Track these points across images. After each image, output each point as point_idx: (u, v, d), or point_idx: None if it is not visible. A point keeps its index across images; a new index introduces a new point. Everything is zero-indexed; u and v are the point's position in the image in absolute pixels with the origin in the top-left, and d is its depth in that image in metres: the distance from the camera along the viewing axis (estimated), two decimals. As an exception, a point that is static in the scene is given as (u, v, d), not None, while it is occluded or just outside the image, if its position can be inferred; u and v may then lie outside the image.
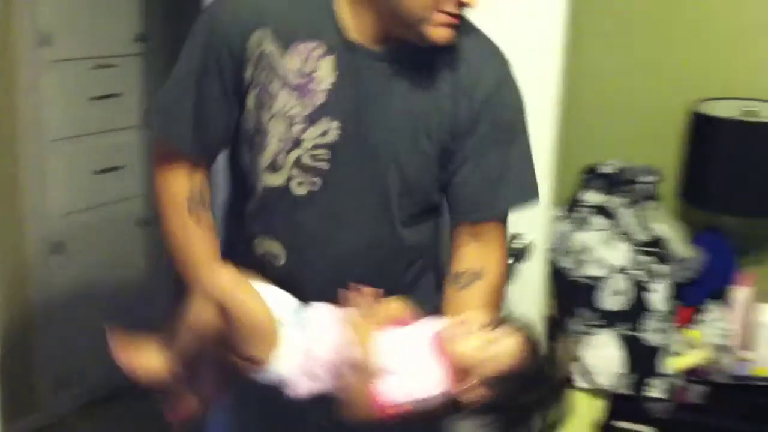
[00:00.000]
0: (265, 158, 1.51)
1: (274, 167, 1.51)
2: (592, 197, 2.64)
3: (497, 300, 1.57)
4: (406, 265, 1.61)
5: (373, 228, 1.54)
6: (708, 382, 2.47)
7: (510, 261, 1.92)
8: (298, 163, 1.50)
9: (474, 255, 1.56)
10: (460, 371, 1.33)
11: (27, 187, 3.08)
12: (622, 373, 2.41)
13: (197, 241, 1.58)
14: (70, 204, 3.26)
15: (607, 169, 2.71)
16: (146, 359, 1.47)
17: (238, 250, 1.60)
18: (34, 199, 3.12)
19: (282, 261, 1.55)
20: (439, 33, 1.43)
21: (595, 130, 2.83)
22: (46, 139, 3.13)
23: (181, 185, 1.58)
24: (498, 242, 1.59)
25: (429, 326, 1.40)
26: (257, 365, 1.37)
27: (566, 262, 2.51)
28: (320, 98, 1.47)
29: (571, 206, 2.67)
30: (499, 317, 1.39)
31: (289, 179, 1.51)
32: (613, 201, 2.62)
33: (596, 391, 2.45)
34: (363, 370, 1.32)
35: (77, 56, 3.18)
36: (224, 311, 1.35)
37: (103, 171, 3.37)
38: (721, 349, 2.50)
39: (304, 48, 1.47)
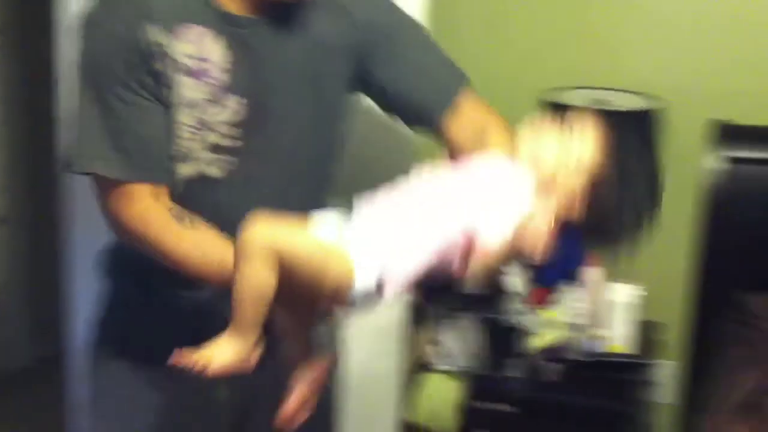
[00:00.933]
0: (177, 148, 1.47)
1: (186, 157, 1.48)
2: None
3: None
4: None
5: (295, 199, 1.53)
6: (564, 360, 2.54)
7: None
8: (211, 147, 1.48)
9: (468, 123, 1.56)
10: (548, 185, 1.25)
11: None
12: (480, 355, 2.46)
13: (206, 238, 1.45)
14: None
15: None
16: (221, 353, 1.28)
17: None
18: None
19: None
20: None
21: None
22: None
23: (157, 210, 1.46)
24: (477, 105, 1.61)
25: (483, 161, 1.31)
26: (338, 296, 1.25)
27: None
28: (221, 79, 1.46)
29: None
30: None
31: (205, 165, 1.49)
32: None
33: (457, 373, 2.49)
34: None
35: None
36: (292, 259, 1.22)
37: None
38: (576, 327, 2.59)
39: (192, 33, 1.44)
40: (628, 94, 2.61)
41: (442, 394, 2.46)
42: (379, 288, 1.24)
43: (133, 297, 1.64)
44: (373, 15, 1.58)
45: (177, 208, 1.48)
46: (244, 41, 1.47)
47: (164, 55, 1.44)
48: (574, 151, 1.24)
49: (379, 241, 1.24)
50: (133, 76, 1.44)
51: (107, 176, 1.45)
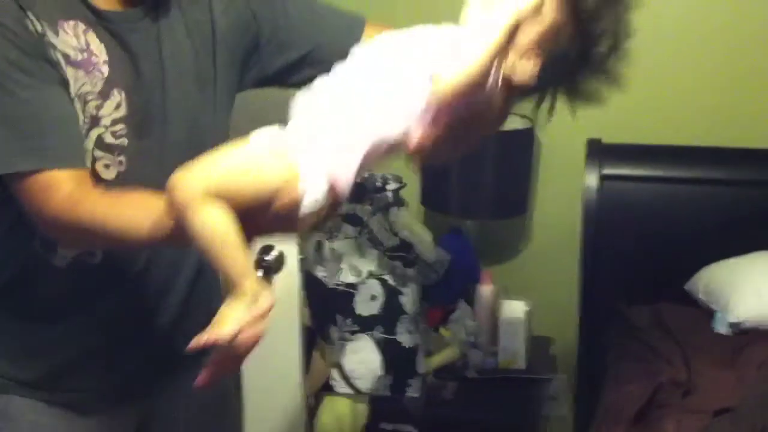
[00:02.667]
0: None
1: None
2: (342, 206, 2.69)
3: None
4: None
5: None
6: (459, 377, 2.57)
7: (260, 274, 1.90)
8: (100, 143, 1.39)
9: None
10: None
11: None
12: (381, 376, 2.46)
13: (143, 197, 1.31)
14: None
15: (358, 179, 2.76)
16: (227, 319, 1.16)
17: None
18: None
19: (97, 259, 1.45)
20: None
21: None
22: None
23: (83, 191, 1.35)
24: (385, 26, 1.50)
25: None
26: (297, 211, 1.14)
27: (321, 271, 2.53)
28: (103, 71, 1.39)
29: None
30: None
31: (94, 161, 1.39)
32: (361, 209, 2.67)
33: (358, 396, 2.48)
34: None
35: None
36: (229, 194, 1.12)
37: None
38: (469, 345, 2.62)
39: (68, 26, 1.38)
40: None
41: (345, 417, 2.44)
42: (332, 188, 1.15)
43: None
44: None
45: (102, 186, 1.37)
46: (117, 36, 1.42)
47: (52, 46, 1.36)
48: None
49: (321, 134, 1.15)
50: (31, 62, 1.34)
51: (23, 170, 1.34)
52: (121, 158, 1.41)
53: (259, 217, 1.16)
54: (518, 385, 2.58)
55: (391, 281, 2.51)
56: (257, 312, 1.17)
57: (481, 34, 1.14)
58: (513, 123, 2.59)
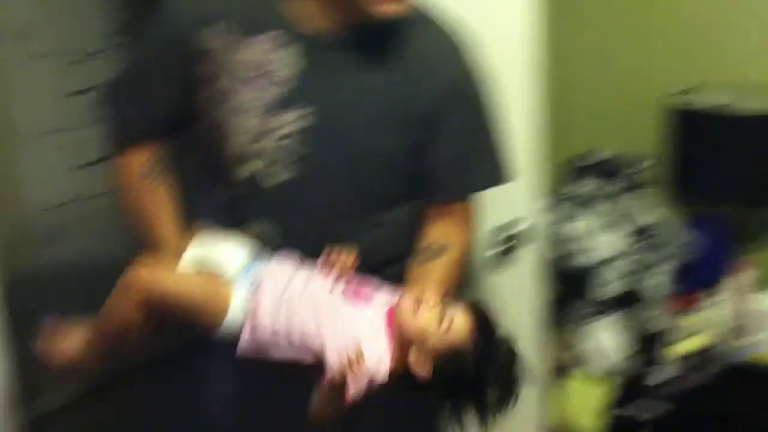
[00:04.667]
0: (232, 152, 1.52)
1: (243, 159, 1.52)
2: (585, 186, 2.65)
3: (456, 276, 1.60)
4: (392, 248, 1.62)
5: (353, 213, 1.56)
6: (707, 367, 2.46)
7: (505, 251, 1.92)
8: (269, 153, 1.51)
9: (439, 232, 1.60)
10: (409, 344, 1.34)
11: (4, 183, 3.08)
12: (621, 360, 2.41)
13: (150, 206, 1.61)
14: (51, 199, 3.25)
15: (600, 157, 2.71)
16: (65, 343, 1.52)
17: None
18: (13, 195, 3.12)
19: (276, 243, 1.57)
20: (384, 7, 1.42)
21: (586, 119, 2.83)
22: (25, 135, 3.13)
23: (130, 165, 1.62)
24: (464, 221, 1.63)
25: (384, 301, 1.41)
26: (210, 329, 1.41)
27: (562, 251, 2.51)
28: (280, 90, 1.48)
29: (564, 194, 2.67)
30: (453, 295, 1.42)
31: (262, 170, 1.52)
32: (608, 189, 2.62)
33: (597, 379, 2.45)
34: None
35: (55, 51, 3.18)
36: (156, 302, 1.41)
37: (84, 166, 3.36)
38: (719, 334, 2.50)
39: (257, 42, 1.48)
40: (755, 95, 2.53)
41: (584, 399, 2.42)
42: (243, 332, 1.40)
43: None
44: (447, 84, 1.53)
45: (153, 160, 1.61)
46: (311, 57, 1.48)
47: (219, 60, 1.49)
48: (442, 332, 1.35)
49: (264, 305, 1.39)
50: (166, 61, 1.53)
51: (110, 120, 1.62)
52: (288, 168, 1.51)
53: (185, 320, 1.42)
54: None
55: (637, 263, 2.44)
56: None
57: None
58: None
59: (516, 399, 1.38)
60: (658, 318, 2.44)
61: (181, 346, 1.70)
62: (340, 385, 1.31)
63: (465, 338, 1.34)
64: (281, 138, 1.50)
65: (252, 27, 1.48)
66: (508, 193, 1.69)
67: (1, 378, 1.69)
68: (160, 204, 1.62)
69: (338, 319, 1.37)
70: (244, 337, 1.39)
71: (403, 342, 1.35)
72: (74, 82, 3.22)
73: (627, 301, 2.43)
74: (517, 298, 2.02)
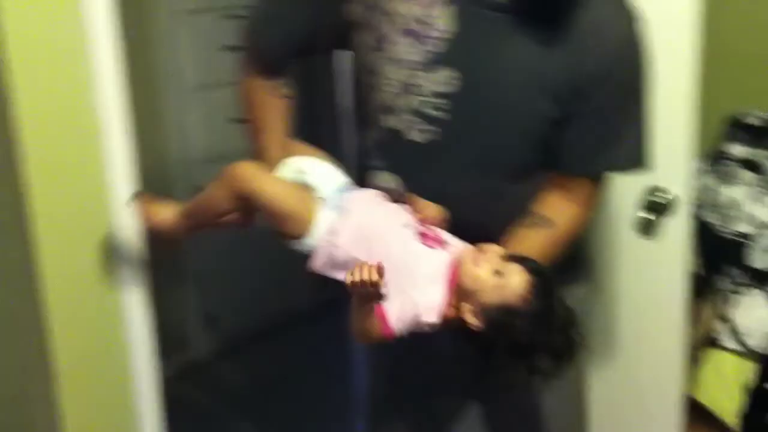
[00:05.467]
0: (381, 100, 1.51)
1: (389, 110, 1.51)
2: (739, 150, 2.51)
3: (555, 253, 1.54)
4: (511, 218, 1.57)
5: (484, 179, 1.52)
6: None
7: (653, 217, 1.85)
8: (414, 109, 1.48)
9: (553, 203, 1.54)
10: (464, 293, 1.37)
11: (167, 134, 3.17)
12: (771, 335, 2.30)
13: (267, 108, 1.65)
14: (209, 150, 3.33)
15: (753, 120, 2.56)
16: (161, 214, 1.60)
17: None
18: (175, 146, 3.22)
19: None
20: None
21: (741, 79, 2.68)
22: (184, 87, 3.21)
23: (257, 82, 1.66)
24: (582, 200, 1.56)
25: (456, 251, 1.43)
26: (291, 238, 1.46)
27: (712, 218, 2.40)
28: (438, 47, 1.45)
29: (716, 159, 2.54)
30: (518, 256, 1.40)
31: (405, 124, 1.50)
32: (761, 153, 2.48)
33: (746, 354, 2.34)
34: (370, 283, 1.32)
35: (212, 5, 3.24)
36: (246, 198, 1.47)
37: (240, 120, 3.43)
38: None
39: None
40: None
41: (729, 373, 2.32)
42: (320, 248, 1.44)
43: None
44: (610, 59, 1.46)
45: (276, 82, 1.64)
46: (477, 19, 1.43)
47: (382, 6, 1.46)
48: (499, 282, 1.36)
49: (343, 223, 1.44)
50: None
51: (248, 42, 1.66)
52: (432, 128, 1.47)
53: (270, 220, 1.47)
54: None
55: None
56: None
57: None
58: None
59: (568, 364, 1.39)
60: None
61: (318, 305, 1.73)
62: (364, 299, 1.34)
63: (520, 296, 1.35)
64: (428, 96, 1.47)
65: None
66: (661, 153, 1.61)
67: (142, 330, 1.75)
68: (272, 114, 1.65)
69: (404, 251, 1.40)
70: (320, 253, 1.44)
71: (460, 290, 1.38)
72: (228, 36, 3.29)
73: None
74: (665, 265, 1.94)
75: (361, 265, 1.30)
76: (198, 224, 1.60)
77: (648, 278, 1.96)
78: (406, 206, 1.49)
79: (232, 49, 3.22)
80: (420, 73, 1.46)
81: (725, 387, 2.33)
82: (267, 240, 1.50)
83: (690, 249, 2.03)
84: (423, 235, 1.44)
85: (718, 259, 2.37)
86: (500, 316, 1.35)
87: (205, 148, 3.31)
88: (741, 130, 2.57)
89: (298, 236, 1.46)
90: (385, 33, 1.48)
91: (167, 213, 1.61)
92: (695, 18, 1.86)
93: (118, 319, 1.73)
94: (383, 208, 1.48)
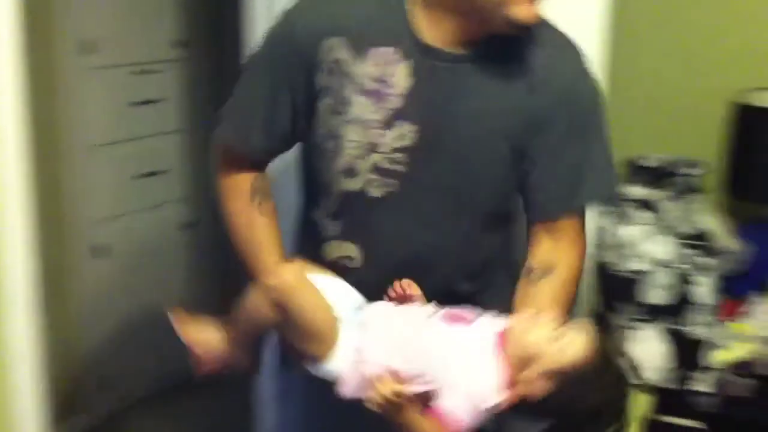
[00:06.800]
0: (342, 163, 1.52)
1: (351, 172, 1.52)
2: (635, 191, 2.62)
3: (568, 295, 1.56)
4: (481, 266, 1.60)
5: (449, 230, 1.55)
6: (755, 375, 2.42)
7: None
8: (375, 167, 1.51)
9: (548, 250, 1.56)
10: (524, 363, 1.29)
11: (69, 191, 3.12)
12: (668, 368, 2.38)
13: (260, 228, 1.61)
14: (113, 208, 3.30)
15: (649, 162, 2.68)
16: (205, 335, 1.52)
17: (308, 257, 1.60)
18: (76, 203, 3.16)
19: (357, 263, 1.56)
20: (523, 12, 1.40)
21: (637, 123, 2.80)
22: (88, 144, 3.17)
23: (244, 181, 1.62)
24: (573, 238, 1.58)
25: (489, 325, 1.37)
26: (313, 360, 1.39)
27: (609, 257, 2.49)
28: (396, 103, 1.48)
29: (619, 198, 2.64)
30: (568, 315, 1.39)
31: (366, 183, 1.52)
32: (657, 194, 2.59)
33: (642, 386, 2.42)
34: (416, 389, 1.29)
35: (119, 62, 3.22)
36: (283, 309, 1.37)
37: (145, 175, 3.40)
38: (766, 342, 2.46)
39: (379, 54, 1.47)
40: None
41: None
42: (340, 381, 1.38)
43: None
44: (562, 96, 1.51)
45: (262, 187, 1.62)
46: (432, 72, 1.47)
47: (340, 70, 1.48)
48: (559, 350, 1.30)
49: (367, 343, 1.37)
50: (288, 73, 1.52)
51: (221, 139, 1.62)
52: (393, 182, 1.50)
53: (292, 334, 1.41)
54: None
55: (684, 270, 2.41)
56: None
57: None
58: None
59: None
60: (705, 325, 2.40)
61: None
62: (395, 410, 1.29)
63: (582, 359, 1.28)
64: (388, 152, 1.49)
65: (375, 39, 1.47)
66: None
67: (32, 397, 1.68)
68: (267, 231, 1.62)
69: (441, 341, 1.33)
70: (351, 376, 1.37)
71: (516, 364, 1.30)
72: (136, 93, 3.27)
73: (675, 308, 2.40)
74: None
75: (375, 384, 1.27)
76: (245, 345, 1.50)
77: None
78: (412, 299, 1.44)
79: (140, 104, 3.26)
80: (381, 131, 1.49)
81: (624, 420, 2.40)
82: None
83: (588, 287, 2.11)
84: (450, 317, 1.39)
85: (615, 297, 2.46)
86: (565, 384, 1.28)
87: (108, 205, 3.27)
88: (639, 172, 2.68)
89: (319, 357, 1.38)
90: (346, 95, 1.49)
91: (210, 330, 1.53)
92: (601, 68, 1.94)
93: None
94: (401, 311, 1.42)
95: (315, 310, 1.38)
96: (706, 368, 2.39)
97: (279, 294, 1.37)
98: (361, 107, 1.48)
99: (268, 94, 1.55)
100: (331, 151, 1.53)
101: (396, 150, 1.49)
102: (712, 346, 2.41)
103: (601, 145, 1.56)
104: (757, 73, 2.67)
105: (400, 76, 1.47)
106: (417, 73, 1.47)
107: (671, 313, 2.40)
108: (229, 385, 2.50)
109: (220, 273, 3.70)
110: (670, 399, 2.40)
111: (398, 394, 1.27)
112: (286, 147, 1.64)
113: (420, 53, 1.46)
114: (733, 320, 2.52)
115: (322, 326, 1.37)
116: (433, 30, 1.46)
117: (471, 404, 1.28)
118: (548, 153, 1.52)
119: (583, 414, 1.30)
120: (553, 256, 1.55)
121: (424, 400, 1.29)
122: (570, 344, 1.29)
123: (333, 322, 1.38)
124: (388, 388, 1.27)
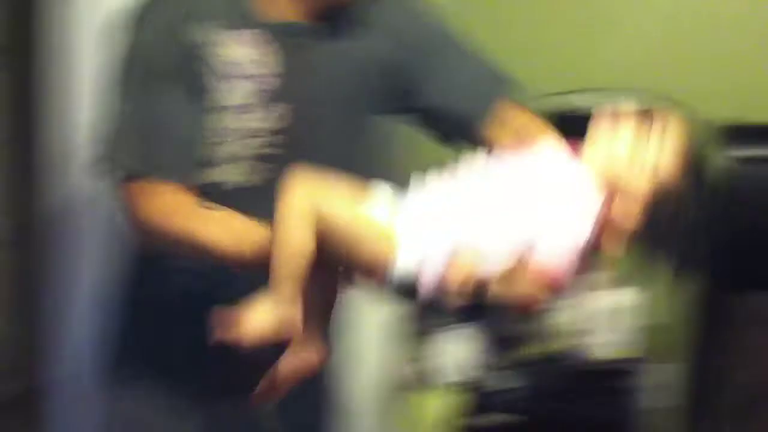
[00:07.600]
0: (221, 152, 1.46)
1: (229, 161, 1.47)
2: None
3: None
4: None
5: None
6: (565, 368, 2.50)
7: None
8: (253, 153, 1.47)
9: (510, 131, 1.52)
10: (617, 181, 1.10)
11: None
12: (478, 366, 2.43)
13: (235, 219, 1.35)
14: None
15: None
16: (253, 321, 1.21)
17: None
18: None
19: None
20: None
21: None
22: None
23: (181, 200, 1.43)
24: (520, 110, 1.55)
25: (553, 153, 1.16)
26: (381, 274, 1.16)
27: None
28: (268, 85, 1.46)
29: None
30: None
31: (246, 171, 1.48)
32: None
33: (454, 387, 2.47)
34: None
35: None
36: (326, 238, 1.17)
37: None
38: (577, 334, 2.54)
39: (242, 38, 1.45)
40: (629, 95, 2.56)
41: (432, 412, 2.43)
42: (418, 278, 1.13)
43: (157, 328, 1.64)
44: (411, 30, 1.56)
45: (200, 201, 1.44)
46: (294, 48, 1.47)
47: (209, 57, 1.44)
48: (649, 155, 1.09)
49: (428, 230, 1.13)
50: (174, 74, 1.44)
51: (131, 172, 1.42)
52: (272, 167, 1.47)
53: (339, 260, 1.19)
54: (627, 375, 2.49)
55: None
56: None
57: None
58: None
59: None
60: (515, 321, 2.46)
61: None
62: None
63: (677, 171, 1.09)
64: (265, 137, 1.46)
65: (228, 23, 1.44)
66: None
67: None
68: (241, 219, 1.35)
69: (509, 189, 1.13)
70: (429, 279, 1.12)
71: (609, 185, 1.09)
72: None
73: (483, 307, 2.45)
74: (365, 311, 2.02)
75: (445, 272, 1.08)
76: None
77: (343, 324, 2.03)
78: None
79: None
80: (254, 116, 1.46)
81: (435, 421, 2.43)
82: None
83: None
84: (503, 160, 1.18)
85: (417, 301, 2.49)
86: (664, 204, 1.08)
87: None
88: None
89: (382, 266, 1.14)
90: (214, 81, 1.44)
91: (262, 320, 1.20)
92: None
93: None
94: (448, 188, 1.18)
95: (362, 224, 1.16)
96: (518, 364, 2.45)
97: (316, 207, 1.17)
98: (233, 92, 1.45)
99: (161, 109, 1.43)
100: (192, 139, 1.44)
101: (272, 133, 1.47)
102: (522, 341, 2.47)
103: (468, 50, 1.60)
104: (561, 74, 2.73)
105: (265, 57, 1.45)
106: (281, 51, 1.46)
107: (480, 312, 2.45)
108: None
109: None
110: (482, 397, 2.44)
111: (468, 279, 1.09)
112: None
113: (273, 32, 1.45)
114: (542, 315, 2.60)
115: (376, 239, 1.14)
116: (277, 7, 1.46)
117: (566, 245, 1.10)
118: (439, 71, 1.56)
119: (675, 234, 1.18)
120: (520, 129, 1.50)
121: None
122: (660, 147, 1.09)
123: (382, 229, 1.15)
124: (458, 274, 1.09)
